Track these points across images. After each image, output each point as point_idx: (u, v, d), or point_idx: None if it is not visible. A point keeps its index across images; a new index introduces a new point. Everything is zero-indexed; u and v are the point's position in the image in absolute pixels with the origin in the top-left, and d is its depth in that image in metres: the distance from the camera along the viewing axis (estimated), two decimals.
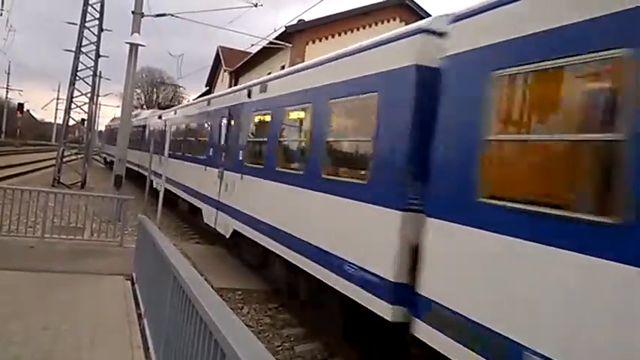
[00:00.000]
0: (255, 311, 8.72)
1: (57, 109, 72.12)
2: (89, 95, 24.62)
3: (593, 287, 3.24)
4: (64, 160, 24.64)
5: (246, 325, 2.89)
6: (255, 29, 50.57)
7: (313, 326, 7.96)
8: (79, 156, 27.14)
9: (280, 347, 7.42)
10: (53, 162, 25.82)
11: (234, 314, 3.02)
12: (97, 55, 24.49)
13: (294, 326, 8.20)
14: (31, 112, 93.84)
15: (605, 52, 3.35)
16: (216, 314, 2.90)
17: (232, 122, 11.60)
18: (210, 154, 13.03)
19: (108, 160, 39.98)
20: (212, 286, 5.11)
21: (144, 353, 5.35)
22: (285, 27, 23.83)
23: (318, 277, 6.67)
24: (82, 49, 24.16)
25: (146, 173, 18.80)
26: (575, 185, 3.62)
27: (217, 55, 42.51)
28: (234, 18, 60.72)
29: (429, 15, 17.58)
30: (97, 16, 24.25)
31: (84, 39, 24.12)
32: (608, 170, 3.33)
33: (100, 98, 43.38)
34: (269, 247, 8.42)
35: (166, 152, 14.87)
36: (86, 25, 24.14)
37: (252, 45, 25.10)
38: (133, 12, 16.59)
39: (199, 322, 3.16)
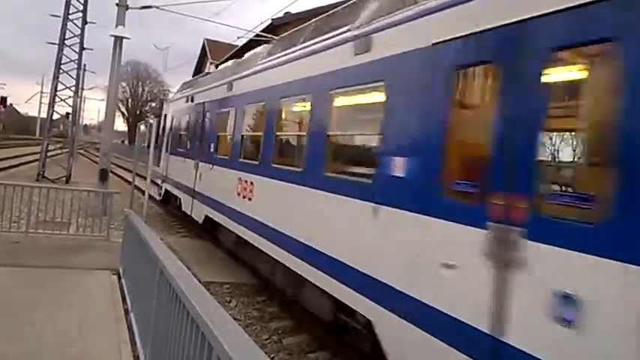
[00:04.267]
0: (242, 304, 8.73)
1: (41, 103, 71.21)
2: (74, 89, 24.33)
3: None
4: (49, 154, 24.34)
5: (234, 319, 2.90)
6: (241, 22, 50.25)
7: (301, 319, 8.00)
8: (64, 150, 26.79)
9: (268, 340, 7.45)
10: (37, 156, 25.49)
11: (221, 308, 3.03)
12: (81, 48, 24.17)
13: (282, 319, 8.22)
14: (15, 105, 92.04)
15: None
16: (204, 308, 2.91)
17: None
18: None
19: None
20: (199, 280, 5.11)
21: (131, 348, 5.34)
22: (272, 20, 23.73)
23: None
24: (66, 42, 23.85)
25: None
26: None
27: (203, 47, 42.24)
28: (220, 10, 60.33)
29: None
30: (81, 8, 23.93)
31: (67, 32, 23.80)
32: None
33: (84, 92, 42.83)
34: None
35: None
36: (70, 17, 23.82)
37: (239, 38, 25.01)
38: (117, 4, 16.39)
39: (186, 316, 3.16)
